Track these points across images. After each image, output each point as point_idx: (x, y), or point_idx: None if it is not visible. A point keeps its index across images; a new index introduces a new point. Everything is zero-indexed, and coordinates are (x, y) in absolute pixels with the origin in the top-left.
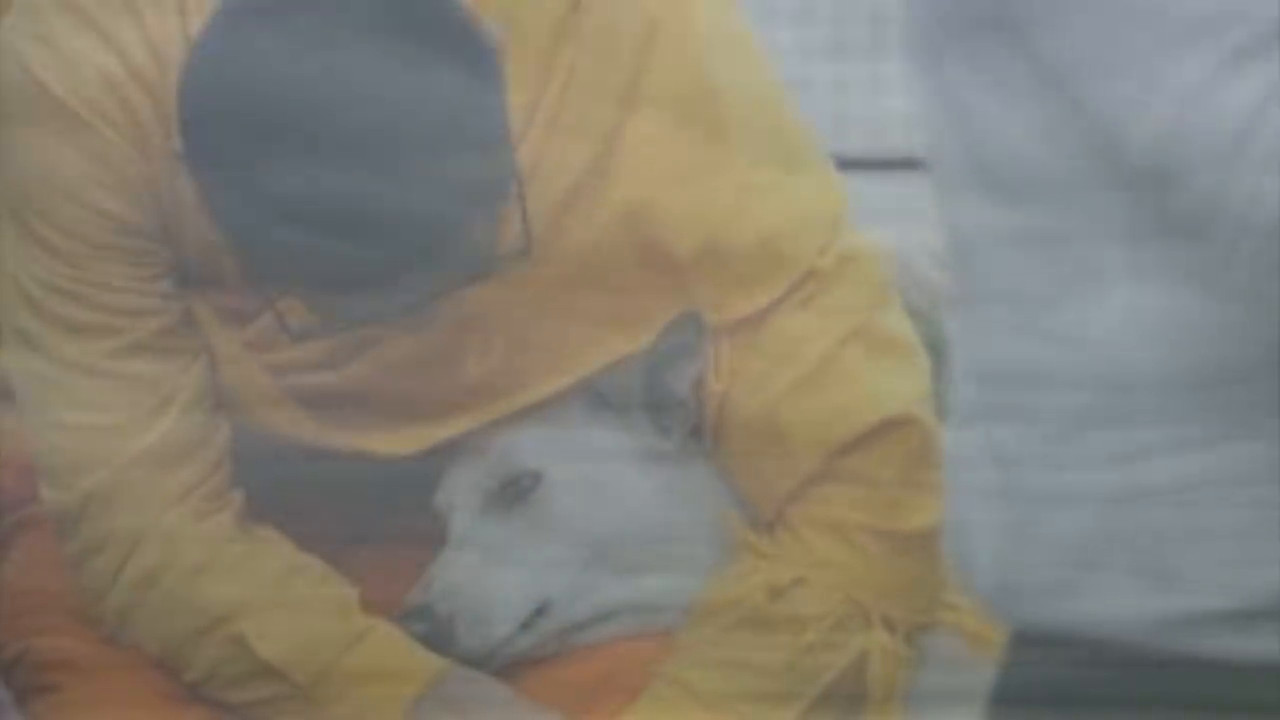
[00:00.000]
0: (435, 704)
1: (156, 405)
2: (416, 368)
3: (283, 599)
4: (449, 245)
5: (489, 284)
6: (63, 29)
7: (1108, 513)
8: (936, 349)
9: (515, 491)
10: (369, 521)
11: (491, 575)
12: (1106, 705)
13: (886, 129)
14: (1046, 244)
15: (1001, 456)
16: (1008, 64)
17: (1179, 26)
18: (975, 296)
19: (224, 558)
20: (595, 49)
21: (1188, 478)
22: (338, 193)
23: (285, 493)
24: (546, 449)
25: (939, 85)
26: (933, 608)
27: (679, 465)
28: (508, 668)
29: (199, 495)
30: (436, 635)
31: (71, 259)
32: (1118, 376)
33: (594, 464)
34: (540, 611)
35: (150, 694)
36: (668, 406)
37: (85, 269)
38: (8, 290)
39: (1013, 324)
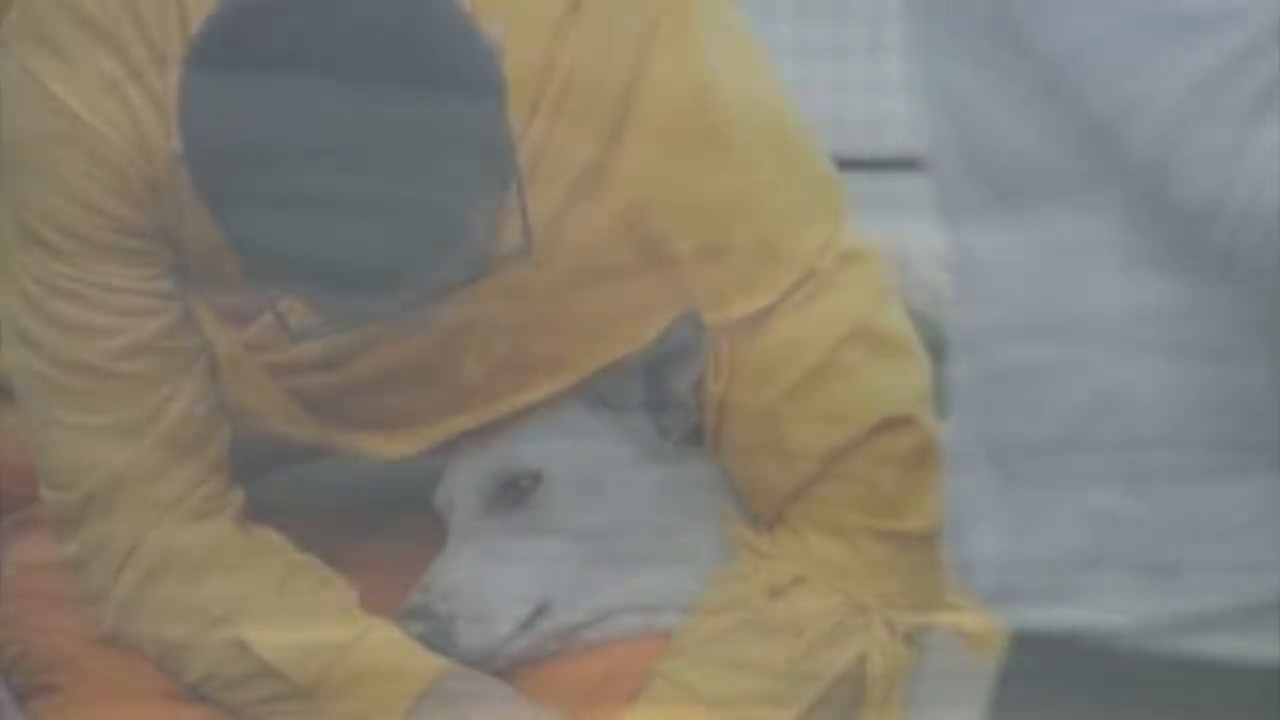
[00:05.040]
0: (435, 704)
1: (157, 405)
2: (416, 368)
3: (283, 599)
4: (449, 245)
5: (489, 284)
6: (63, 29)
7: (1108, 513)
8: (936, 349)
9: (515, 492)
10: (369, 521)
11: (491, 575)
12: (1106, 705)
13: (886, 129)
14: (1046, 243)
15: (1002, 457)
16: (1008, 64)
17: (1179, 26)
18: (976, 296)
19: (224, 558)
20: (595, 49)
21: (1188, 482)
22: (338, 193)
23: (285, 493)
24: (546, 449)
25: (939, 85)
26: (933, 608)
27: (679, 465)
28: (508, 668)
29: (199, 495)
30: (436, 635)
31: (71, 259)
32: (1118, 378)
33: (594, 464)
34: (540, 611)
35: (150, 694)
36: (668, 406)
37: (85, 269)
38: (8, 290)
39: (1013, 324)
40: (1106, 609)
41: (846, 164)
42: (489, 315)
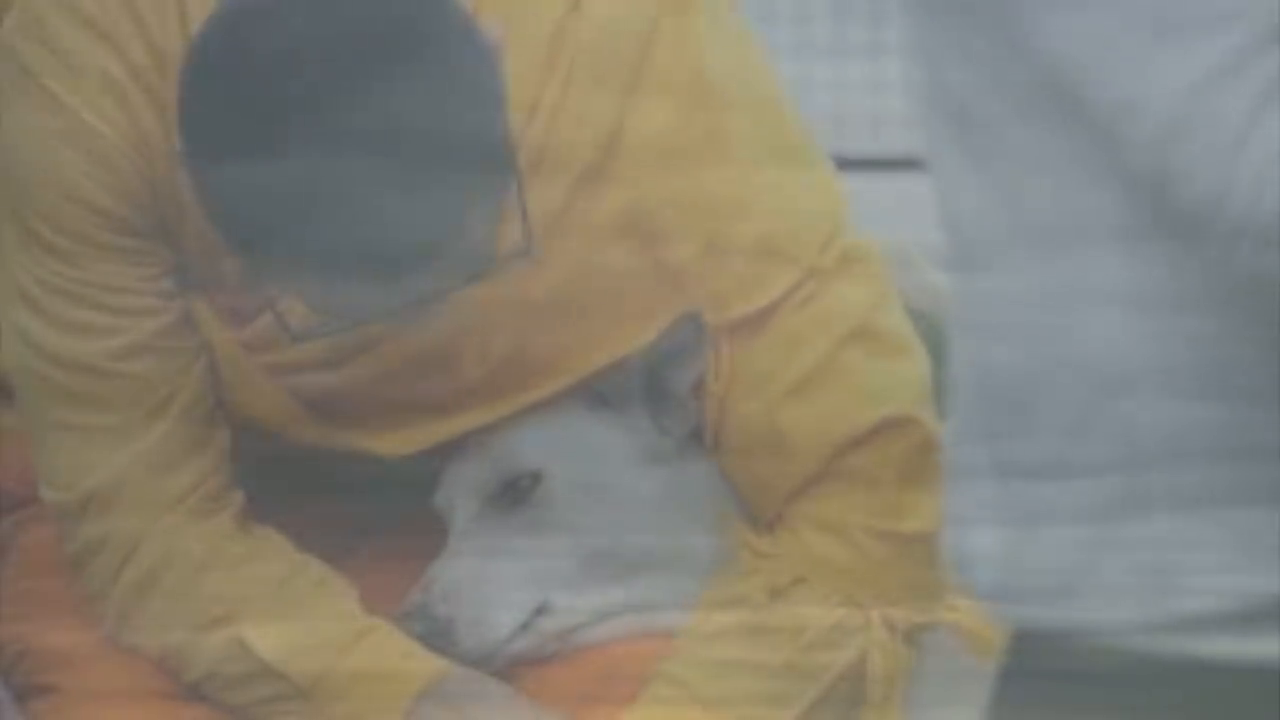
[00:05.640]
0: (435, 704)
1: (156, 405)
2: (416, 368)
3: (283, 599)
4: (449, 245)
5: (489, 284)
6: (63, 29)
7: (1107, 515)
8: (936, 349)
9: (515, 492)
10: (369, 521)
11: (491, 575)
12: (1106, 706)
13: (886, 129)
14: (1047, 244)
15: (1001, 458)
16: (1007, 64)
17: (1179, 26)
18: (975, 297)
19: (224, 558)
20: (595, 49)
21: (1189, 481)
22: (337, 193)
23: (285, 493)
24: (546, 449)
25: (939, 85)
26: (933, 608)
27: (679, 465)
28: (508, 668)
29: (199, 495)
30: (436, 635)
31: (71, 259)
32: (1118, 377)
33: (594, 464)
34: (540, 611)
35: (150, 694)
36: (668, 406)
37: (85, 269)
38: (8, 290)
39: (1013, 325)
40: (1106, 609)
41: (846, 164)
42: (489, 315)
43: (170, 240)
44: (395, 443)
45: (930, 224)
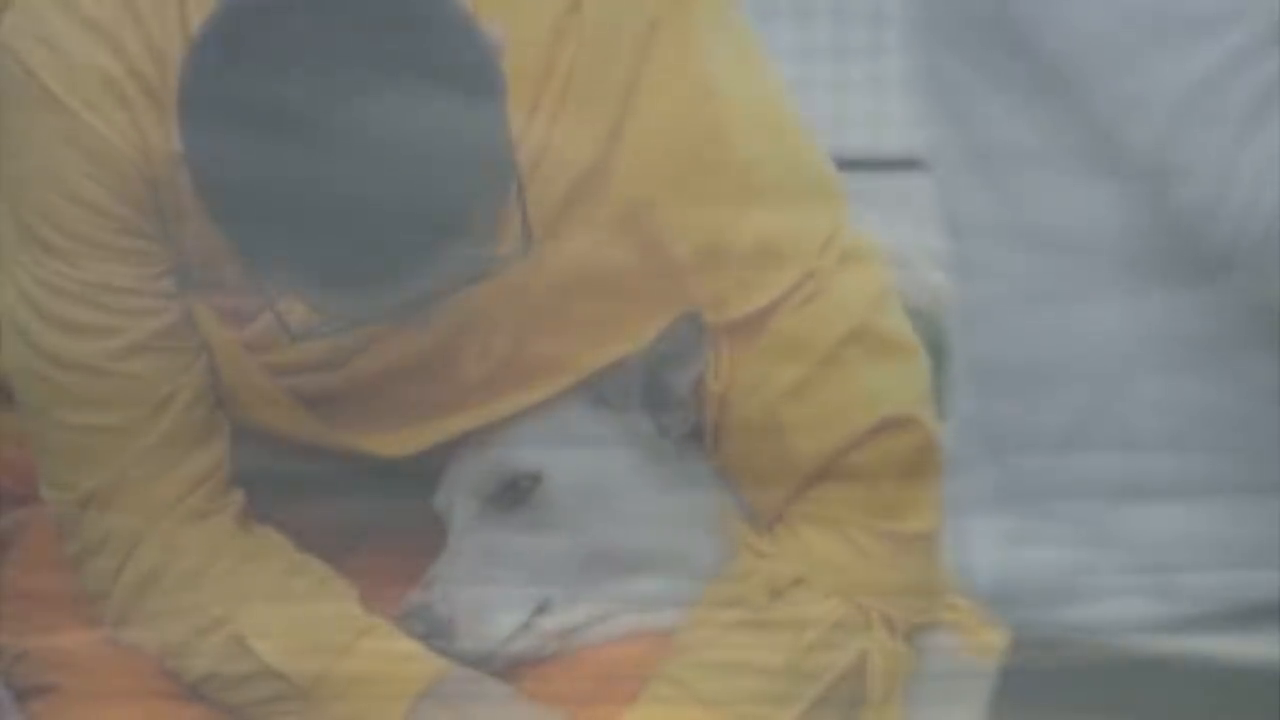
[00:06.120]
0: (435, 704)
1: (156, 405)
2: (416, 368)
3: (283, 599)
4: (449, 245)
5: (489, 284)
6: (63, 29)
7: (1108, 514)
8: (936, 349)
9: (515, 492)
10: (369, 521)
11: (491, 575)
12: (1106, 705)
13: (886, 129)
14: (1047, 243)
15: (1001, 458)
16: (1008, 64)
17: (1179, 26)
18: (976, 296)
19: (224, 558)
20: (595, 49)
21: (1188, 482)
22: (337, 193)
23: (285, 493)
24: (546, 449)
25: (939, 85)
26: (933, 608)
27: (679, 465)
28: (508, 668)
29: (199, 495)
30: (436, 635)
31: (71, 259)
32: (1118, 377)
33: (594, 464)
34: (540, 611)
35: (150, 694)
36: (668, 407)
37: (85, 269)
38: (8, 290)
39: (1013, 324)
40: (1106, 609)
41: (846, 164)
42: (489, 315)
43: (170, 240)
44: (395, 443)
45: (930, 224)
